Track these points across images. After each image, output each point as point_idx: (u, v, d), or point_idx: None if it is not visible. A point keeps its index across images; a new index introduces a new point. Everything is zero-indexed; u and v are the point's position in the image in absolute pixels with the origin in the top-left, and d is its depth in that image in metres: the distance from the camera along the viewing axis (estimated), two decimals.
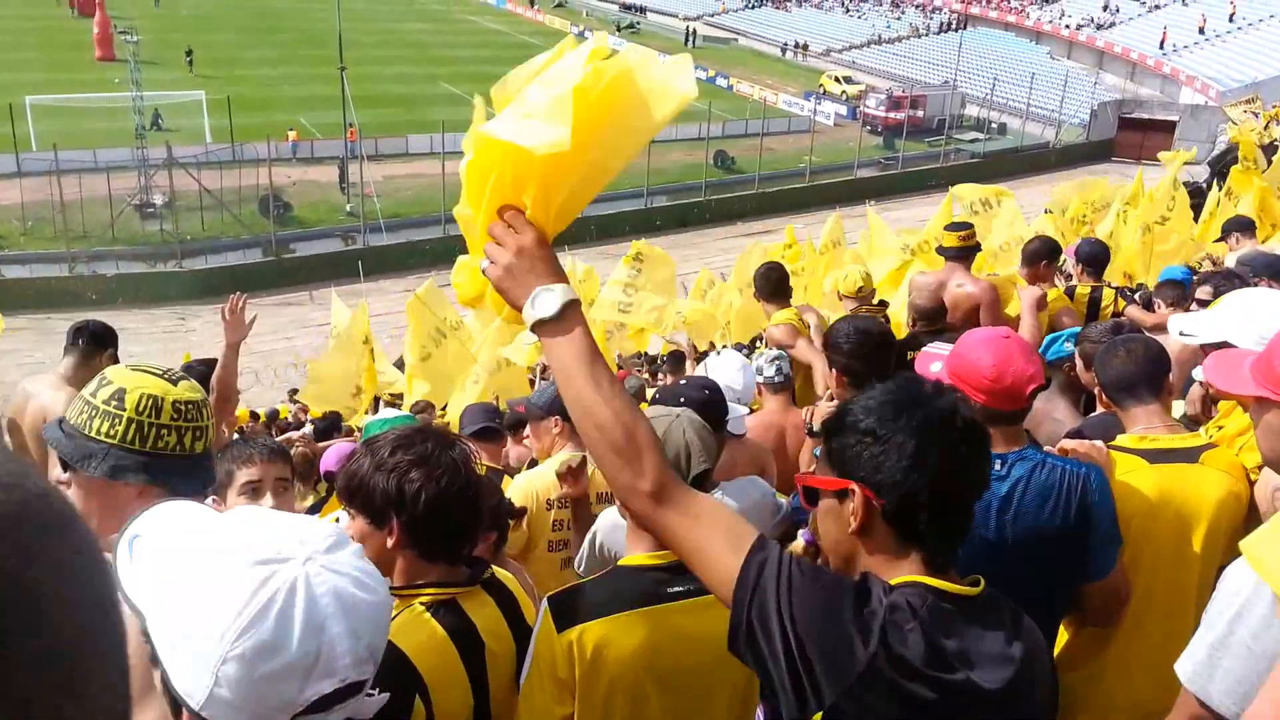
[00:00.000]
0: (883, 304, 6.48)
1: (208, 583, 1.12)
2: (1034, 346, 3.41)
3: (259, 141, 29.99)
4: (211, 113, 35.01)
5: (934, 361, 2.86)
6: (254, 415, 14.37)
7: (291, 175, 32.90)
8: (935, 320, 5.11)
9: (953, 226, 6.00)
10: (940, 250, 5.96)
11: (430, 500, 1.93)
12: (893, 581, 1.56)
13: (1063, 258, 6.91)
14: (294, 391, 18.44)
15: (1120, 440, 2.94)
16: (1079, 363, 3.87)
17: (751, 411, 4.38)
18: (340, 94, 32.92)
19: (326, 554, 1.17)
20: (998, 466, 2.55)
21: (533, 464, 4.58)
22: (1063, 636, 2.90)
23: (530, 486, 3.83)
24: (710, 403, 3.16)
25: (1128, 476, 2.80)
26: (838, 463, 1.63)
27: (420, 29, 63.64)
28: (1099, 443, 2.85)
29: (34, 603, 0.44)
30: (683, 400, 3.18)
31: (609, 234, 32.28)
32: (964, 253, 5.79)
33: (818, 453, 1.73)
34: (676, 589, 2.21)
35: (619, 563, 2.35)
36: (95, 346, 4.66)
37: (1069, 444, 2.83)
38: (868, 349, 3.61)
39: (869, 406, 1.61)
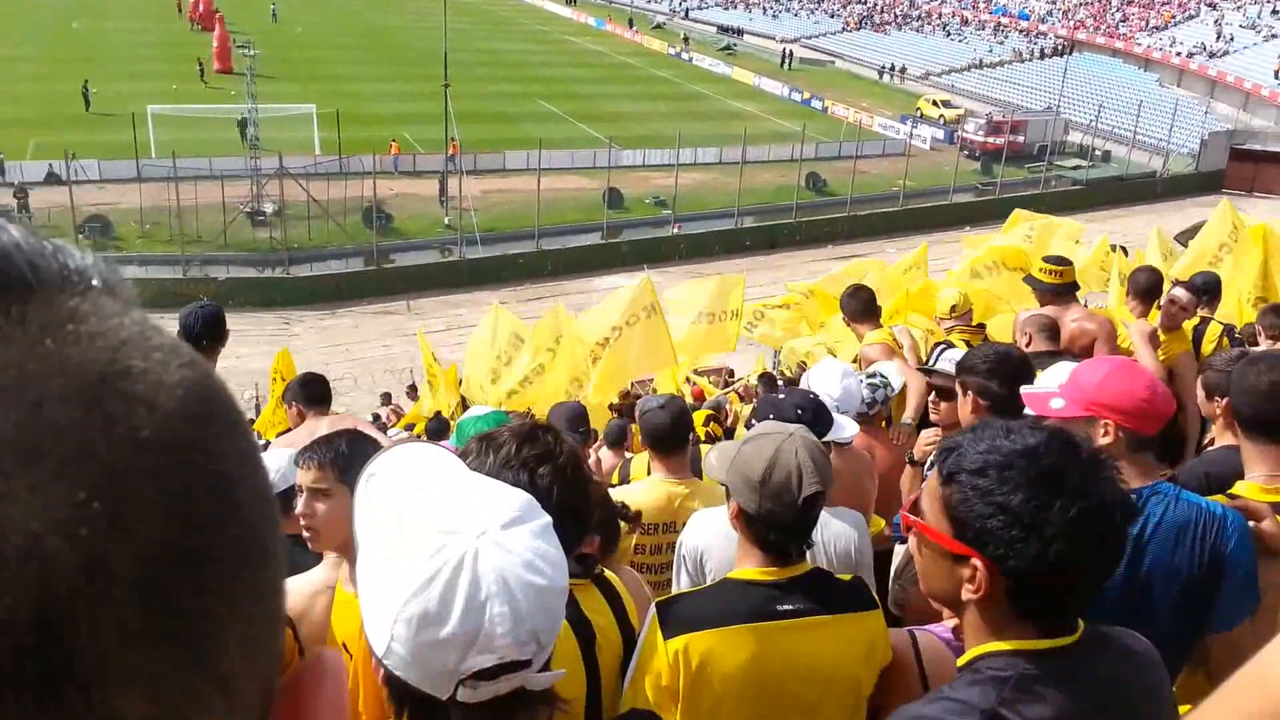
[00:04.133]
0: (981, 326, 6.41)
1: (393, 545, 1.15)
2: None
3: (365, 154, 30.74)
4: (321, 126, 36.04)
5: (1052, 399, 2.66)
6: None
7: (394, 188, 33.64)
8: (1055, 340, 4.98)
9: (1051, 260, 5.84)
10: (1034, 283, 5.77)
11: (560, 495, 1.83)
12: (976, 653, 1.54)
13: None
14: (387, 396, 19.17)
15: (1243, 489, 2.73)
16: (1200, 393, 3.67)
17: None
18: (443, 110, 33.66)
19: (502, 530, 1.16)
20: None
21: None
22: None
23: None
24: (811, 421, 3.05)
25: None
26: (960, 522, 1.53)
27: (522, 49, 64.70)
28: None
29: (230, 487, 0.40)
30: (772, 416, 3.12)
31: (699, 253, 32.37)
32: (1063, 289, 5.62)
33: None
34: (787, 607, 2.20)
35: (728, 575, 2.34)
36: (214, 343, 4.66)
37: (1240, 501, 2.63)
38: (1008, 370, 3.34)
39: (1013, 476, 1.49)
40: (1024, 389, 2.89)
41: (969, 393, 3.43)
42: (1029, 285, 5.89)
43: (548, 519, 1.23)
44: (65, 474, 0.34)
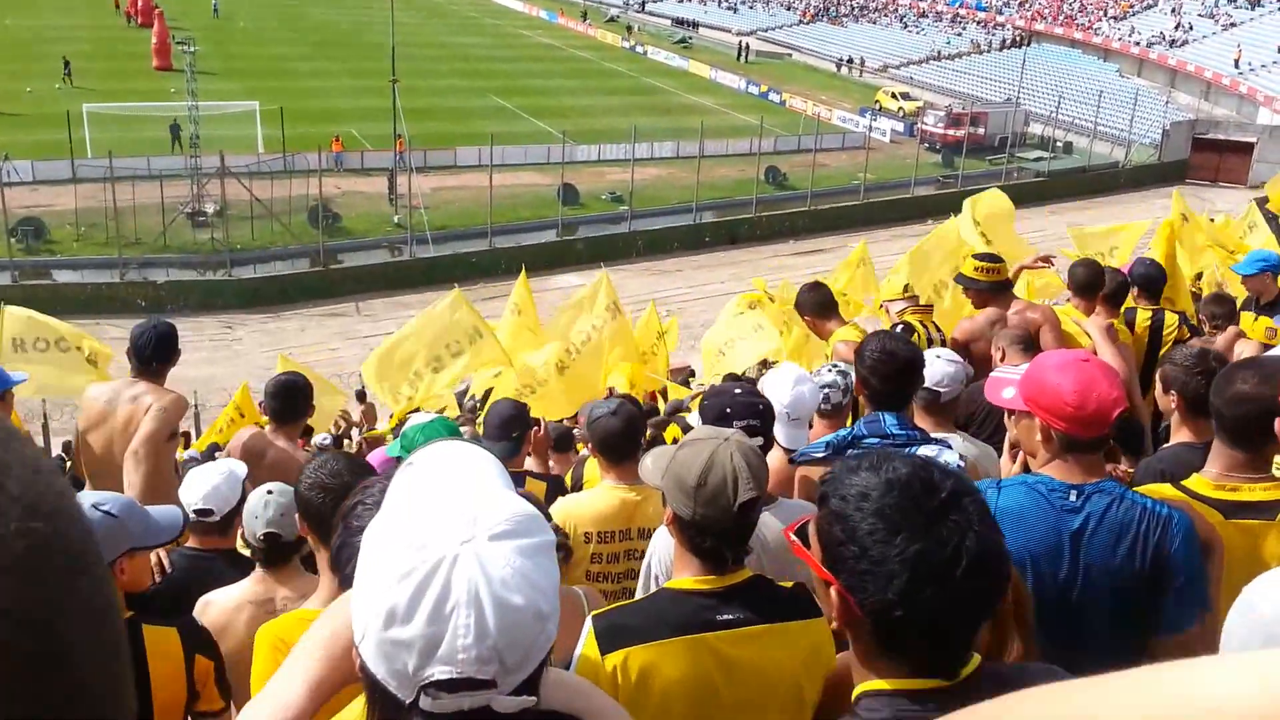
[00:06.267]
0: (929, 307, 6.45)
1: (389, 536, 1.15)
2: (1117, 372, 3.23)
3: (310, 152, 30.00)
4: (265, 123, 35.09)
5: (1006, 387, 2.78)
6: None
7: (341, 186, 32.90)
8: (1029, 353, 4.80)
9: (982, 258, 5.85)
10: (967, 281, 5.77)
11: None
12: (858, 690, 1.52)
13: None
14: (361, 394, 17.72)
15: (1195, 484, 2.77)
16: (1157, 386, 3.68)
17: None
18: (391, 106, 32.85)
19: (489, 542, 1.12)
20: (1072, 497, 2.48)
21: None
22: None
23: (569, 516, 3.69)
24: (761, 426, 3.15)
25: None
26: (823, 547, 1.51)
27: (473, 43, 63.85)
28: None
29: (65, 651, 0.41)
30: (729, 411, 3.14)
31: (658, 250, 31.82)
32: (998, 286, 5.68)
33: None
34: (726, 616, 2.19)
35: (665, 585, 2.34)
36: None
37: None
38: (889, 370, 3.45)
39: (865, 507, 1.44)
40: (995, 371, 3.01)
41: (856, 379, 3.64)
42: (961, 285, 5.88)
43: (546, 539, 1.18)
44: None
